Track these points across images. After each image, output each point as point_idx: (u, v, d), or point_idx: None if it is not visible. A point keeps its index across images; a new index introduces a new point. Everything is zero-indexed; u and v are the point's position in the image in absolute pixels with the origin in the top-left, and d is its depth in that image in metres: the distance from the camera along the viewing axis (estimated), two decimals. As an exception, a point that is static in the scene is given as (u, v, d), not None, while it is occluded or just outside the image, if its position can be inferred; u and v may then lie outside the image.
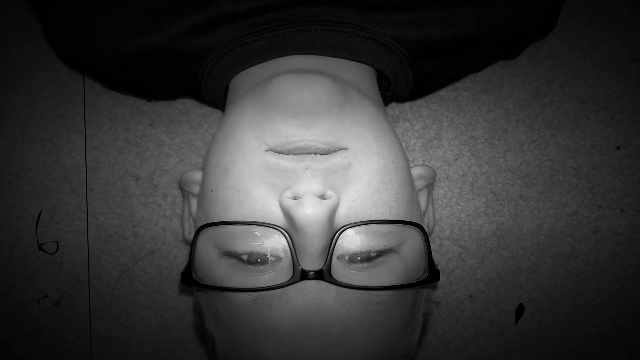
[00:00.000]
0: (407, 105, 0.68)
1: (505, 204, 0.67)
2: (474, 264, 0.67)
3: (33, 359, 0.64)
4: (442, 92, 0.68)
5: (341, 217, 0.43)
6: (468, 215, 0.68)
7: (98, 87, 0.66)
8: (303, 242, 0.42)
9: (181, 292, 0.67)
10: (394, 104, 0.67)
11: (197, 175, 0.50)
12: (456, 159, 0.68)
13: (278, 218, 0.43)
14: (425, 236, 0.46)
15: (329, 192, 0.42)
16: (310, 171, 0.43)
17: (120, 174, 0.67)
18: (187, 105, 0.67)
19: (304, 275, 0.42)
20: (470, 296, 0.67)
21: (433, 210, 0.55)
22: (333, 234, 0.42)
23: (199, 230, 0.46)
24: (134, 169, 0.68)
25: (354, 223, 0.42)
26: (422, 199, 0.53)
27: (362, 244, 0.43)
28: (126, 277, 0.67)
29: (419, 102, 0.67)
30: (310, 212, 0.40)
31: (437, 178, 0.64)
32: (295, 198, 0.42)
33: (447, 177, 0.67)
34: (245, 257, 0.43)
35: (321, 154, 0.43)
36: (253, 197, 0.43)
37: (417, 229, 0.45)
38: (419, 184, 0.51)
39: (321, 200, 0.41)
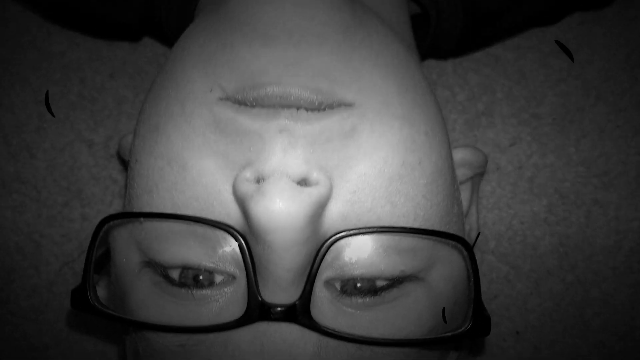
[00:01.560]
0: (449, 65, 0.58)
1: (574, 211, 0.57)
2: (525, 289, 0.57)
3: None
4: (499, 51, 0.57)
5: (334, 219, 0.30)
6: (522, 223, 0.57)
7: (51, 25, 0.58)
8: (267, 256, 0.28)
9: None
10: (430, 62, 0.57)
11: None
12: (511, 145, 0.57)
13: (231, 212, 0.30)
14: (472, 259, 0.31)
15: (316, 175, 0.29)
16: (287, 137, 0.29)
17: (71, 137, 0.58)
18: (158, 51, 0.59)
19: (266, 312, 0.29)
20: (517, 332, 0.57)
21: (477, 213, 0.43)
22: (318, 246, 0.29)
23: (100, 224, 0.31)
24: (87, 131, 0.59)
25: (354, 230, 0.29)
26: (464, 197, 0.40)
27: (366, 265, 0.30)
28: (69, 271, 0.58)
29: (466, 62, 0.58)
30: (278, 207, 0.27)
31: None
32: (258, 181, 0.29)
33: (498, 169, 0.57)
34: (174, 274, 0.30)
35: (307, 110, 0.30)
36: (192, 176, 0.30)
37: (460, 245, 0.31)
38: (460, 173, 0.39)
39: (300, 188, 0.28)
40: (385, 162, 0.30)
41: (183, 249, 0.30)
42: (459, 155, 0.38)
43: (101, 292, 0.36)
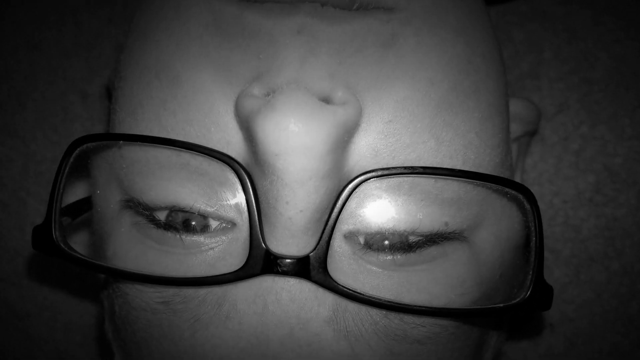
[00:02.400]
0: (491, 18, 0.50)
1: (625, 190, 0.51)
2: (563, 276, 0.52)
3: None
4: (547, 5, 0.52)
5: (362, 154, 0.25)
6: (565, 202, 0.51)
7: None
8: (276, 192, 0.23)
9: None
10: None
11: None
12: (557, 112, 0.51)
13: (233, 140, 0.25)
14: (538, 215, 0.25)
15: (342, 94, 0.24)
16: (307, 40, 0.24)
17: (63, 87, 0.54)
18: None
19: (271, 264, 0.23)
20: (551, 325, 0.52)
21: (521, 179, 0.38)
22: (340, 186, 0.24)
23: (71, 147, 0.25)
24: (81, 81, 0.54)
25: (387, 170, 0.24)
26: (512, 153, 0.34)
27: (399, 216, 0.25)
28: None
29: (510, 16, 0.52)
30: (292, 124, 0.22)
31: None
32: (268, 94, 0.24)
33: (541, 140, 0.51)
34: (160, 216, 0.25)
35: (335, 7, 0.24)
36: (185, 92, 0.25)
37: (522, 197, 0.25)
38: (512, 128, 0.34)
39: (322, 104, 0.23)
40: (432, 84, 0.24)
41: (171, 185, 0.25)
42: (512, 106, 0.33)
43: (80, 248, 0.31)
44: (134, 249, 0.26)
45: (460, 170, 0.24)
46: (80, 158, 0.26)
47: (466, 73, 0.25)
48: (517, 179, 0.36)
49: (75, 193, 0.33)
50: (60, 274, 0.53)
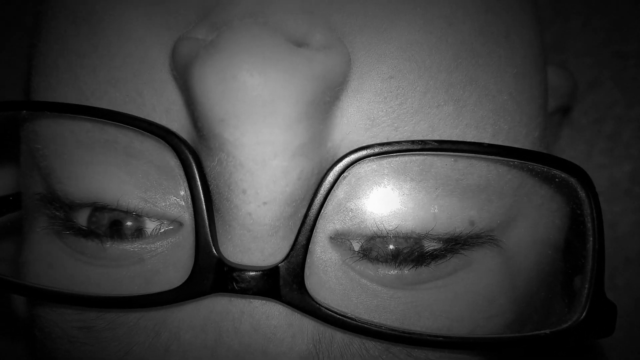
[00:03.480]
0: None
1: None
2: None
3: None
4: None
5: (352, 124, 0.18)
6: (598, 194, 0.42)
7: None
8: (228, 178, 0.17)
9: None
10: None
11: None
12: (587, 91, 0.44)
13: (174, 106, 0.18)
14: (595, 205, 0.19)
15: (321, 36, 0.17)
16: None
17: None
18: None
19: (226, 279, 0.17)
20: None
21: None
22: (323, 168, 0.18)
23: None
24: None
25: (390, 144, 0.17)
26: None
27: (406, 210, 0.18)
28: None
29: None
30: (247, 75, 0.15)
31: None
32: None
33: (569, 122, 0.45)
34: (81, 217, 0.19)
35: None
36: (108, 38, 0.18)
37: (573, 180, 0.18)
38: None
39: (292, 46, 0.16)
40: (449, 24, 0.18)
41: (94, 172, 0.18)
42: (548, 74, 0.25)
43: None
44: (47, 255, 0.19)
45: (491, 145, 0.17)
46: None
47: (495, 12, 0.19)
48: None
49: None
50: None
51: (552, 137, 0.30)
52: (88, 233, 0.18)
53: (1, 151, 0.22)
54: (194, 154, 0.17)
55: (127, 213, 0.18)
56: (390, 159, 0.17)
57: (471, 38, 0.18)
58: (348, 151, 0.17)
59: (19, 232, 0.28)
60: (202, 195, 0.17)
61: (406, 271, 0.18)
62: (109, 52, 0.18)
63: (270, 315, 0.17)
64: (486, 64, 0.18)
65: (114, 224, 0.18)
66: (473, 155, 0.17)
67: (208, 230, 0.17)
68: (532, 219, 0.20)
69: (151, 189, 0.18)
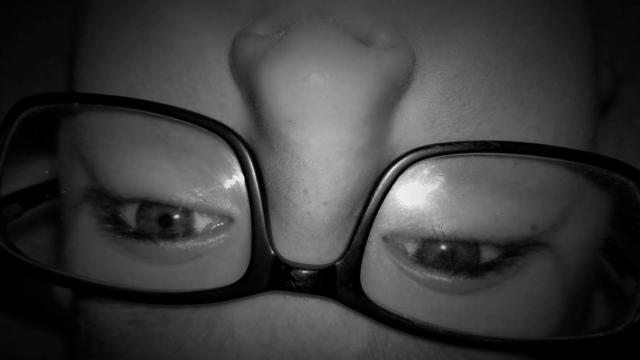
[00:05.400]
0: None
1: None
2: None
3: None
4: None
5: (413, 124, 0.18)
6: None
7: None
8: (290, 176, 0.16)
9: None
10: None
11: None
12: (623, 80, 0.41)
13: (230, 102, 0.18)
14: None
15: (386, 34, 0.16)
16: None
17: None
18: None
19: (283, 277, 0.17)
20: None
21: None
22: (380, 168, 0.17)
23: (12, 113, 0.18)
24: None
25: (451, 145, 0.17)
26: None
27: (465, 214, 0.17)
28: None
29: None
30: (317, 76, 0.15)
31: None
32: (279, 31, 0.17)
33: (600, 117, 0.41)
34: (129, 214, 0.19)
35: None
36: (161, 31, 0.18)
37: (632, 183, 0.18)
38: None
39: (360, 45, 0.16)
40: (516, 24, 0.17)
41: (144, 167, 0.18)
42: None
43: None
44: (96, 249, 0.19)
45: (554, 147, 0.17)
46: (29, 127, 0.19)
47: (559, 13, 0.18)
48: None
49: (35, 174, 0.26)
50: (23, 294, 0.45)
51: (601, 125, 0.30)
52: (140, 235, 0.18)
53: (39, 140, 0.21)
54: (250, 152, 0.17)
55: (177, 208, 0.18)
56: (450, 160, 0.17)
57: (537, 39, 0.18)
58: (406, 151, 0.17)
59: (54, 218, 0.28)
60: (259, 193, 0.16)
61: (461, 279, 0.18)
62: (162, 45, 0.18)
63: (325, 313, 0.17)
64: (551, 66, 0.18)
65: (163, 218, 0.18)
66: (535, 157, 0.17)
67: (264, 227, 0.16)
68: (582, 220, 0.20)
69: (202, 185, 0.18)
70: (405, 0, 0.17)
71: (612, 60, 0.43)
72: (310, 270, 0.16)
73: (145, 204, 0.18)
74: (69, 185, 0.21)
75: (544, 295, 0.18)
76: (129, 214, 0.18)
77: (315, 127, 0.15)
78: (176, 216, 0.18)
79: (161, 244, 0.18)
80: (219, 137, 0.17)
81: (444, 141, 0.17)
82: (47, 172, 0.22)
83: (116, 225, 0.18)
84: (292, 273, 0.16)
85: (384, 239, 0.18)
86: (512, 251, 0.18)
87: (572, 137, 0.18)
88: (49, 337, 0.36)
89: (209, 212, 0.18)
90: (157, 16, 0.18)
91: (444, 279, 0.17)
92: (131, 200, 0.18)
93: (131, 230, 0.18)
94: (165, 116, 0.17)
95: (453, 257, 0.17)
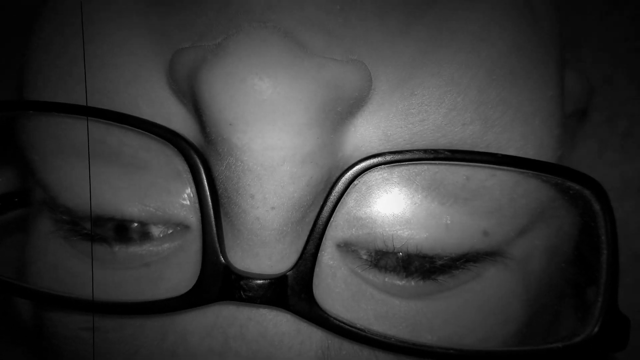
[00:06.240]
0: None
1: None
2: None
3: None
4: None
5: (366, 138, 0.18)
6: (608, 191, 0.41)
7: None
8: (236, 182, 0.16)
9: None
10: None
11: None
12: (605, 84, 0.43)
13: (174, 117, 0.18)
14: (609, 217, 0.18)
15: (341, 52, 0.17)
16: None
17: None
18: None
19: (234, 287, 0.16)
20: None
21: None
22: (333, 177, 0.17)
23: None
24: None
25: (401, 153, 0.17)
26: None
27: (417, 225, 0.18)
28: None
29: None
30: (256, 78, 0.15)
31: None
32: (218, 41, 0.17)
33: (583, 119, 0.41)
34: (84, 223, 0.19)
35: None
36: (100, 48, 0.18)
37: (588, 192, 0.18)
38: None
39: (304, 51, 0.16)
40: (482, 39, 0.17)
41: (95, 183, 0.18)
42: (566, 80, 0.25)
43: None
44: (52, 256, 0.19)
45: (505, 156, 0.17)
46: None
47: (531, 32, 0.18)
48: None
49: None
50: None
51: (569, 141, 0.30)
52: (94, 238, 0.18)
53: (4, 149, 0.21)
54: (201, 157, 0.16)
55: (132, 221, 0.18)
56: (401, 168, 0.17)
57: (507, 55, 0.18)
58: (357, 159, 0.17)
59: (21, 230, 0.28)
60: (209, 200, 0.16)
61: (413, 283, 0.17)
62: (100, 62, 0.17)
63: (277, 322, 0.17)
64: (523, 84, 0.18)
65: (118, 228, 0.18)
66: (485, 165, 0.17)
67: (215, 235, 0.16)
68: (544, 229, 0.19)
69: (156, 197, 0.18)
70: (361, 27, 0.17)
71: (594, 64, 0.43)
72: (261, 279, 0.16)
73: (99, 218, 0.18)
74: (26, 194, 0.21)
75: (501, 301, 0.18)
76: (87, 223, 0.18)
77: (256, 131, 0.15)
78: (133, 225, 0.18)
79: (116, 248, 0.18)
80: (170, 145, 0.16)
81: (403, 147, 0.17)
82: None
83: (72, 226, 0.18)
84: (242, 283, 0.16)
85: (338, 246, 0.18)
86: (464, 260, 0.17)
87: (544, 142, 0.18)
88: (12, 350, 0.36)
89: (164, 223, 0.18)
90: (94, 34, 0.18)
91: (397, 282, 0.17)
92: (85, 216, 0.18)
93: (86, 231, 0.18)
94: (118, 124, 0.17)
95: (405, 261, 0.17)
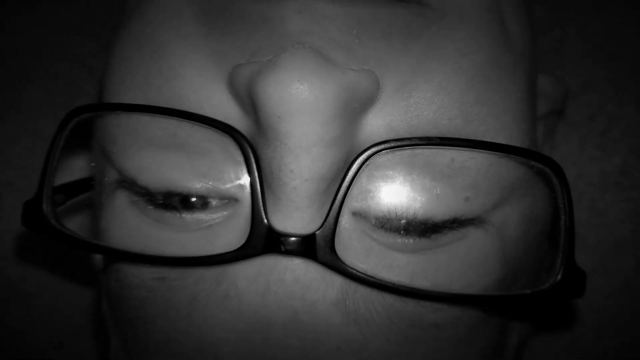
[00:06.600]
0: None
1: None
2: (588, 263, 0.45)
3: None
4: None
5: (375, 130, 0.23)
6: (590, 185, 0.48)
7: None
8: (280, 159, 0.22)
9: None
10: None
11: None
12: (582, 91, 0.47)
13: (230, 115, 0.23)
14: (567, 189, 0.23)
15: (356, 64, 0.22)
16: (311, 18, 0.22)
17: (71, 63, 0.52)
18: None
19: (274, 243, 0.22)
20: (575, 316, 0.49)
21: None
22: (350, 158, 0.23)
23: (66, 118, 0.24)
24: (90, 58, 0.53)
25: (402, 140, 0.22)
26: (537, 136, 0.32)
27: (414, 196, 0.23)
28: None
29: None
30: (297, 82, 0.20)
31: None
32: (270, 58, 0.22)
33: (565, 119, 0.48)
34: (159, 196, 0.24)
35: None
36: (171, 62, 0.23)
37: (548, 170, 0.23)
38: (539, 105, 0.31)
39: (331, 64, 0.21)
40: (464, 54, 0.23)
41: (164, 168, 0.23)
42: (539, 83, 0.30)
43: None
44: (127, 222, 0.24)
45: (481, 142, 0.22)
46: (78, 131, 0.24)
47: (504, 47, 0.24)
48: None
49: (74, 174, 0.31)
50: (64, 255, 0.51)
51: (549, 137, 0.35)
52: (166, 206, 0.23)
53: (83, 141, 0.26)
54: (251, 146, 0.22)
55: (195, 192, 0.23)
56: (402, 152, 0.22)
57: (484, 65, 0.23)
58: (372, 144, 0.22)
59: (88, 205, 0.33)
60: (257, 177, 0.22)
61: (412, 240, 0.23)
62: (172, 75, 0.23)
63: (307, 270, 0.22)
64: (496, 89, 0.23)
65: (184, 200, 0.23)
66: (466, 149, 0.22)
67: (261, 203, 0.22)
68: (518, 202, 0.25)
69: (215, 176, 0.23)
70: (375, 48, 0.22)
71: (575, 70, 0.47)
72: (295, 237, 0.22)
73: (168, 193, 0.23)
74: (103, 175, 0.26)
75: (481, 258, 0.24)
76: (158, 195, 0.24)
77: (297, 122, 0.20)
78: (196, 198, 0.23)
79: (183, 214, 0.23)
80: (228, 136, 0.22)
81: (408, 136, 0.22)
82: (93, 164, 0.27)
83: (149, 198, 0.24)
84: (281, 239, 0.22)
85: (353, 213, 0.23)
86: (452, 222, 0.23)
87: (514, 135, 0.24)
88: (80, 291, 0.42)
89: (221, 197, 0.23)
90: (169, 50, 0.23)
91: (399, 240, 0.23)
92: (158, 192, 0.23)
93: (160, 202, 0.23)
94: (187, 120, 0.22)
95: (405, 224, 0.23)
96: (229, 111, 0.23)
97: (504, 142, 0.23)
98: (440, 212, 0.23)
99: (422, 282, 0.22)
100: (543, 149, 0.34)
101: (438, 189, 0.22)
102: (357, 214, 0.23)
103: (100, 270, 0.29)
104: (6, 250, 0.51)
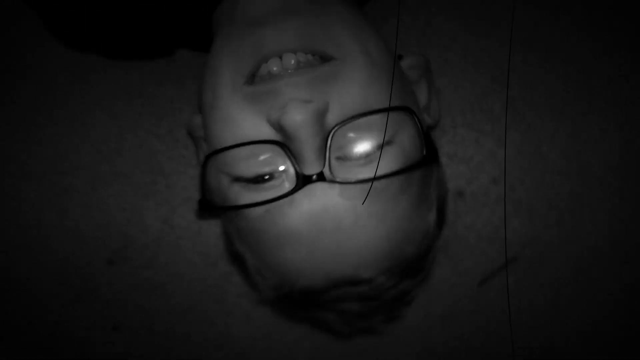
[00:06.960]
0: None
1: (512, 75, 0.65)
2: (492, 146, 0.67)
3: (97, 315, 0.68)
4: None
5: (334, 118, 0.45)
6: (476, 95, 0.66)
7: (99, 64, 0.67)
8: (299, 147, 0.45)
9: (200, 218, 0.68)
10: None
11: (199, 119, 0.54)
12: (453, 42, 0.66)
13: (271, 135, 0.46)
14: (416, 117, 0.48)
15: (317, 99, 0.45)
16: (292, 83, 0.45)
17: (143, 136, 0.70)
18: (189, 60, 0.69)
19: (307, 180, 0.45)
20: (494, 179, 0.66)
21: (438, 100, 0.57)
22: (326, 135, 0.44)
23: (204, 163, 0.50)
24: (154, 127, 0.70)
25: (342, 121, 0.45)
26: (423, 91, 0.54)
27: (356, 140, 0.46)
28: (167, 227, 0.69)
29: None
30: (296, 116, 0.44)
31: (435, 65, 0.62)
32: (283, 108, 0.45)
33: (446, 62, 0.67)
34: (251, 177, 0.46)
35: (300, 63, 0.46)
36: (241, 123, 0.47)
37: (405, 112, 0.47)
38: (413, 75, 0.53)
39: (306, 104, 0.44)
40: (353, 79, 0.46)
41: (251, 162, 0.47)
42: (406, 63, 0.52)
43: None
44: (246, 194, 0.46)
45: (373, 110, 0.44)
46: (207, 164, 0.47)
47: (375, 65, 0.46)
48: (434, 101, 0.55)
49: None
50: (169, 257, 0.70)
51: (431, 84, 0.55)
52: (257, 181, 0.45)
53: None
54: (284, 145, 0.44)
55: (267, 171, 0.46)
56: (348, 125, 0.44)
57: (369, 76, 0.46)
58: (331, 127, 0.43)
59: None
60: (291, 155, 0.44)
61: (364, 160, 0.45)
62: (241, 131, 0.46)
63: (323, 186, 0.44)
64: (373, 91, 0.46)
65: (263, 176, 0.45)
66: (378, 112, 0.44)
67: (297, 167, 0.44)
68: (408, 129, 0.46)
69: (275, 164, 0.45)
70: (320, 86, 0.44)
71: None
72: (315, 175, 0.45)
73: (257, 175, 0.45)
74: (220, 181, 0.51)
75: (395, 160, 0.45)
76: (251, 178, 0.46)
77: (302, 129, 0.43)
78: (267, 177, 0.45)
79: (266, 183, 0.45)
80: (273, 144, 0.47)
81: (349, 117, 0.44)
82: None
83: (249, 182, 0.45)
84: (310, 177, 0.43)
85: (336, 158, 0.44)
86: (377, 146, 0.45)
87: (394, 104, 0.45)
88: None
89: (278, 173, 0.45)
90: (239, 120, 0.47)
91: (359, 161, 0.44)
92: (249, 175, 0.45)
93: (253, 180, 0.45)
94: (251, 145, 0.46)
95: (357, 153, 0.45)
96: (266, 131, 0.44)
97: (393, 106, 0.44)
98: (376, 143, 0.45)
99: (371, 176, 0.47)
100: (432, 97, 0.54)
101: (367, 138, 0.44)
102: (339, 157, 0.48)
103: (230, 224, 0.52)
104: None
